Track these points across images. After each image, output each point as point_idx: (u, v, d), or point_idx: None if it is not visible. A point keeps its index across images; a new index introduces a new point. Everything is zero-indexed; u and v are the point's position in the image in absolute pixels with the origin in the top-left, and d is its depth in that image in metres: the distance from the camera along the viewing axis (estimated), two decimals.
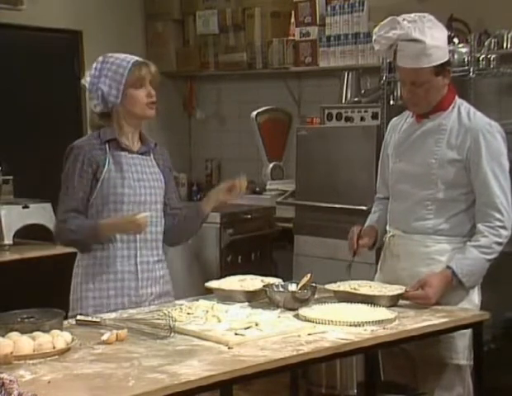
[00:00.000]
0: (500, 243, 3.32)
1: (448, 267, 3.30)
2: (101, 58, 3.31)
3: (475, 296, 3.42)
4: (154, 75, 3.28)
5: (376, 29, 3.46)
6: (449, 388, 3.39)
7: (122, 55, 3.29)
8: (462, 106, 3.44)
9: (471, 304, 3.39)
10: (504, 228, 3.32)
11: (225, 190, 3.38)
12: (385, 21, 3.41)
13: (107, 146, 3.26)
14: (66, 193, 3.24)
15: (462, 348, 3.33)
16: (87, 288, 3.25)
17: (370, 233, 3.58)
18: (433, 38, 3.30)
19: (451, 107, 3.42)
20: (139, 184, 3.28)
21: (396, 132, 3.57)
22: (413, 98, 3.38)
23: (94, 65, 3.31)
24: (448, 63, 3.40)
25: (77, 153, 3.24)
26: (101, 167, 3.22)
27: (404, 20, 3.33)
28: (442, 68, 3.34)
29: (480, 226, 3.33)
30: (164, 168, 3.42)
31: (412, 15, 3.35)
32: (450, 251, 3.36)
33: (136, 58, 3.29)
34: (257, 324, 2.84)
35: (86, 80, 3.31)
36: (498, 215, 3.31)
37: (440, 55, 3.34)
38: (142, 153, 3.35)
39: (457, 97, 3.46)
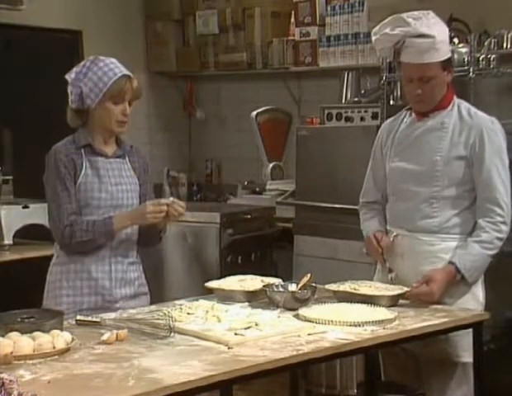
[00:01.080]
0: (500, 239, 3.34)
1: (451, 263, 3.31)
2: (91, 58, 3.31)
3: (479, 292, 3.42)
4: (135, 91, 3.29)
5: (376, 28, 3.45)
6: (456, 386, 3.39)
7: (113, 64, 3.27)
8: (461, 104, 3.47)
9: (475, 300, 3.40)
10: (504, 223, 3.33)
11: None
12: (387, 19, 3.41)
13: (83, 151, 3.28)
14: (60, 198, 3.24)
15: (467, 346, 3.31)
16: (61, 286, 3.28)
17: (383, 234, 3.52)
18: (439, 33, 3.33)
19: (451, 106, 3.44)
20: (117, 188, 3.30)
21: (393, 132, 3.57)
22: (421, 94, 3.37)
23: (83, 63, 3.31)
24: (451, 59, 3.42)
25: (57, 158, 3.25)
26: (79, 172, 3.25)
27: (408, 17, 3.34)
28: (448, 64, 3.38)
29: (481, 221, 3.34)
30: (140, 171, 3.42)
31: (415, 12, 3.37)
32: (455, 249, 3.36)
33: (124, 72, 3.27)
34: (257, 324, 2.84)
35: (70, 76, 3.30)
36: (499, 211, 3.32)
37: (446, 50, 3.37)
38: (118, 157, 3.36)
39: (455, 97, 3.48)
